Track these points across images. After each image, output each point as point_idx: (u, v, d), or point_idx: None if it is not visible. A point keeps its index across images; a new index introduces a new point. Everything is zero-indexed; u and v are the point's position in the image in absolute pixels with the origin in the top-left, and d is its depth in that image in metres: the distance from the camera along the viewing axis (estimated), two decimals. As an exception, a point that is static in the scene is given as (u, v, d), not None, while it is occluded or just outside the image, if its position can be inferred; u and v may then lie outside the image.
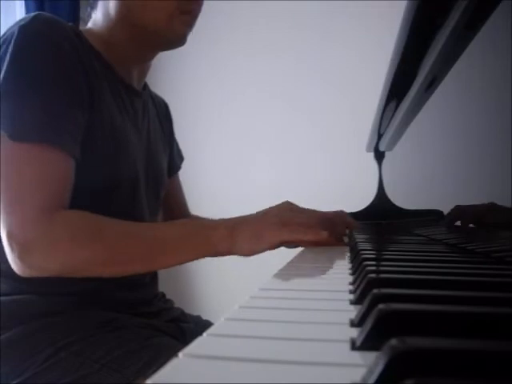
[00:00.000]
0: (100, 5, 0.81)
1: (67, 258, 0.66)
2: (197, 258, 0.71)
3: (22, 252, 0.64)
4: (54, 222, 0.65)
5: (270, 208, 0.73)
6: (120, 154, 0.78)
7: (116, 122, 0.78)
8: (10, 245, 0.65)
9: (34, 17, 0.71)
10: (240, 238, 0.69)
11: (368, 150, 1.24)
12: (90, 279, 0.76)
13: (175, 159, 1.06)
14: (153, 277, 0.93)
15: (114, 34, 0.80)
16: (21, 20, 0.71)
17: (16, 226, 0.64)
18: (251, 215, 0.72)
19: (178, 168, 1.08)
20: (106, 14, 0.80)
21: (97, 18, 0.82)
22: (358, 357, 0.22)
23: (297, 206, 0.75)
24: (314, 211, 0.77)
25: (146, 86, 0.94)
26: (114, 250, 0.68)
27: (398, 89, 0.89)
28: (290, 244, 0.75)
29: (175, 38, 0.80)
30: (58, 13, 1.78)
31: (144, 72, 0.89)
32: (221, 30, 2.19)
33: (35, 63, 0.68)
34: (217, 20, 2.15)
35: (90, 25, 0.84)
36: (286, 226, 0.69)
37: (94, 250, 0.67)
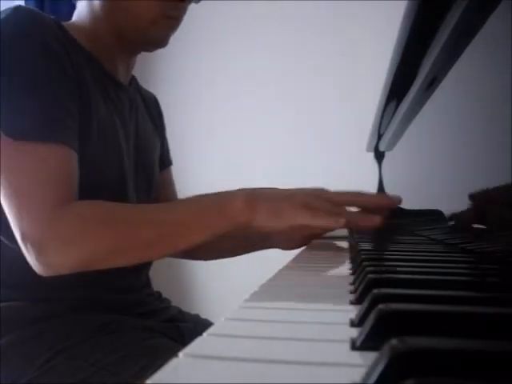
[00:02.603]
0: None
1: (82, 252, 0.64)
2: (217, 235, 0.67)
3: (37, 253, 0.63)
4: (63, 218, 0.64)
5: (297, 189, 0.67)
6: (107, 150, 0.77)
7: (103, 116, 0.77)
8: (26, 246, 0.64)
9: (15, 10, 0.69)
10: (259, 211, 0.64)
11: (368, 150, 1.24)
12: (84, 285, 0.75)
13: (166, 155, 1.05)
14: (147, 278, 0.92)
15: (98, 29, 0.80)
16: (2, 12, 0.69)
17: (28, 226, 0.63)
18: (272, 189, 0.67)
19: (170, 162, 1.06)
20: (91, 8, 0.79)
21: (81, 12, 0.82)
22: (357, 357, 0.22)
23: (328, 193, 0.68)
24: (348, 195, 0.69)
25: (132, 81, 0.92)
26: (126, 237, 0.66)
27: (398, 89, 0.89)
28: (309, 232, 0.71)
29: (156, 41, 0.80)
30: (58, 13, 1.78)
31: (130, 66, 0.88)
32: (220, 27, 2.19)
33: (25, 59, 0.67)
34: (215, 18, 2.16)
35: (74, 17, 0.83)
36: (308, 209, 0.63)
37: (105, 239, 0.65)
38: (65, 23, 0.79)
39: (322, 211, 0.63)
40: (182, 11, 0.80)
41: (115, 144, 0.79)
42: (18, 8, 0.70)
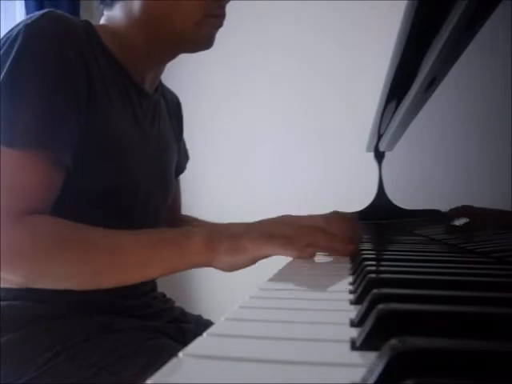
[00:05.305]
0: (120, 3, 0.78)
1: (27, 270, 0.63)
2: (173, 272, 0.65)
3: None
4: (14, 231, 0.62)
5: (257, 221, 0.66)
6: (120, 162, 0.76)
7: (120, 128, 0.76)
8: None
9: (42, 15, 0.68)
10: (218, 249, 0.62)
11: (368, 150, 1.24)
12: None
13: (182, 160, 1.04)
14: (154, 281, 0.92)
15: (133, 34, 0.77)
16: (30, 17, 0.69)
17: None
18: (231, 226, 0.66)
19: (183, 169, 1.06)
20: (128, 13, 0.77)
21: (115, 16, 0.79)
22: (357, 357, 0.22)
23: (292, 219, 0.67)
24: (310, 219, 0.67)
25: (158, 86, 0.91)
26: (74, 263, 0.63)
27: (398, 89, 0.89)
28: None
29: (203, 41, 0.78)
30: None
31: (158, 74, 0.87)
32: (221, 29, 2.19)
33: (34, 66, 0.66)
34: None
35: (104, 21, 0.81)
36: (273, 238, 0.61)
37: (53, 262, 0.63)
38: (96, 25, 0.78)
39: (284, 238, 0.61)
40: (224, 9, 0.79)
41: (130, 157, 0.78)
42: (45, 13, 0.69)
